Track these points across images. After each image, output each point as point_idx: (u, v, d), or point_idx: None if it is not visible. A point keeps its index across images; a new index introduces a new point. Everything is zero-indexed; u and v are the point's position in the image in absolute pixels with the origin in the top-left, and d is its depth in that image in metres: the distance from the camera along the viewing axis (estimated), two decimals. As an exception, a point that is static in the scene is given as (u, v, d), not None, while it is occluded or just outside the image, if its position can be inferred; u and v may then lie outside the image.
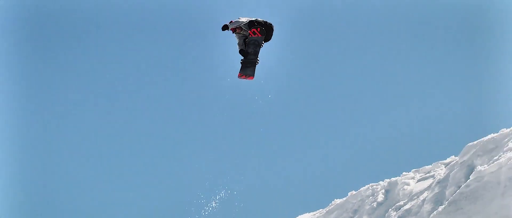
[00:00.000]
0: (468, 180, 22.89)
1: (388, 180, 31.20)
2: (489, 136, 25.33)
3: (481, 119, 51.13)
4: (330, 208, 33.47)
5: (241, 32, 14.24)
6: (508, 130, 24.66)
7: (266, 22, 14.24)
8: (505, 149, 23.03)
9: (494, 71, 59.40)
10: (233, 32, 14.27)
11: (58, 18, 66.19)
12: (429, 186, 27.07)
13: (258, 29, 14.27)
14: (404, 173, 30.98)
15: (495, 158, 22.88)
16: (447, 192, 24.46)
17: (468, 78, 61.42)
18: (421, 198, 26.55)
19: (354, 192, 32.68)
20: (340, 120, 62.41)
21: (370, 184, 32.11)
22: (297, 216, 36.18)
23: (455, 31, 65.48)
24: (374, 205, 29.86)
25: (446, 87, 62.07)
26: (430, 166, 30.11)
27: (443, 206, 23.19)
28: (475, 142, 25.72)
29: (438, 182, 26.33)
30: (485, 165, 22.82)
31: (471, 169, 24.26)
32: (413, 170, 30.87)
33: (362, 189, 32.32)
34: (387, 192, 30.24)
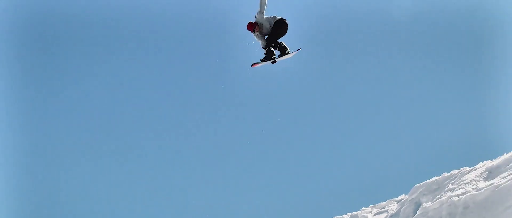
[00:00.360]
0: (416, 215, 23.13)
1: (350, 213, 31.37)
2: (433, 178, 25.56)
3: (426, 164, 52.53)
4: (302, 236, 34.01)
5: (258, 32, 13.07)
6: (448, 174, 25.02)
7: (278, 20, 12.96)
8: (446, 189, 23.30)
9: (434, 122, 60.98)
10: (252, 32, 13.06)
11: (59, 18, 59.40)
12: None
13: (257, 64, 13.23)
14: (363, 207, 31.15)
15: (438, 196, 23.09)
16: (398, 225, 24.95)
17: (412, 129, 62.02)
18: (377, 229, 27.28)
19: None
20: (311, 158, 61.57)
21: (335, 216, 32.08)
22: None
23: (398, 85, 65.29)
24: (338, 235, 30.25)
25: (396, 136, 62.94)
26: (384, 202, 30.27)
27: (395, 236, 23.85)
28: (421, 183, 25.95)
29: (391, 216, 26.88)
30: (430, 202, 22.90)
31: (418, 205, 24.50)
32: (371, 205, 30.95)
33: None
34: None
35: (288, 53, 13.09)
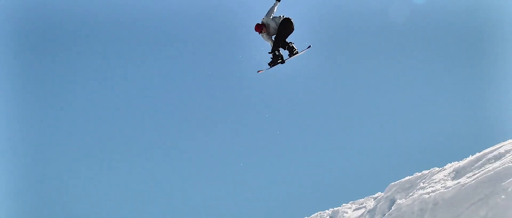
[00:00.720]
0: (390, 210, 23.07)
1: (332, 209, 31.44)
2: (406, 178, 25.62)
3: (400, 165, 52.97)
4: (288, 230, 34.12)
5: (266, 32, 12.21)
6: (420, 173, 25.05)
7: (283, 20, 12.06)
8: (417, 187, 23.29)
9: (408, 127, 61.25)
10: (259, 33, 12.23)
11: (59, 18, 55.53)
12: (362, 214, 27.65)
13: (262, 71, 12.40)
14: (343, 204, 31.23)
15: (410, 194, 23.07)
16: (375, 219, 25.14)
17: (388, 133, 62.20)
18: (356, 223, 27.41)
19: (307, 217, 32.61)
20: (298, 159, 61.63)
21: (319, 211, 32.17)
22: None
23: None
24: (322, 228, 30.40)
25: (373, 139, 63.15)
26: (363, 199, 30.35)
27: (372, 229, 24.07)
28: (396, 182, 26.08)
29: (369, 211, 26.86)
30: (403, 199, 22.94)
31: (392, 202, 24.57)
32: (351, 201, 31.14)
33: (312, 215, 32.33)
34: (331, 217, 30.98)
35: (296, 53, 12.33)
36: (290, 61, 12.44)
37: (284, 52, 12.54)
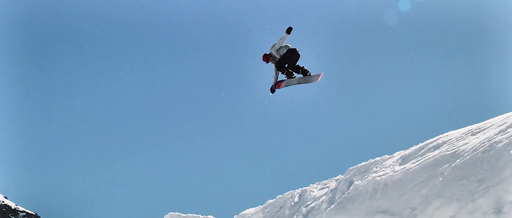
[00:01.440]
0: (349, 190, 22.97)
1: (301, 188, 31.74)
2: (362, 163, 25.89)
3: (357, 152, 54.02)
4: (265, 205, 33.93)
5: (272, 61, 10.95)
6: (373, 160, 25.29)
7: (288, 50, 10.69)
8: (371, 171, 23.38)
9: (362, 121, 62.19)
10: (266, 63, 10.87)
11: (59, 18, 48.81)
12: (326, 193, 27.89)
13: (281, 84, 11.00)
14: (311, 184, 31.53)
15: (365, 176, 23.10)
16: (336, 197, 25.21)
17: (347, 126, 62.95)
18: (321, 200, 27.55)
19: (280, 195, 32.92)
20: (273, 147, 61.64)
21: (290, 190, 32.46)
22: (242, 210, 36.28)
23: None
24: (292, 204, 30.47)
25: (334, 132, 63.86)
26: (327, 180, 30.68)
27: (334, 205, 23.15)
28: (353, 167, 26.28)
29: (331, 191, 27.05)
30: (360, 181, 22.91)
31: (351, 183, 24.78)
32: (317, 182, 31.48)
33: (285, 193, 32.61)
34: (300, 195, 30.89)
35: (309, 75, 10.99)
36: (301, 87, 11.19)
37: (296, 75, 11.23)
